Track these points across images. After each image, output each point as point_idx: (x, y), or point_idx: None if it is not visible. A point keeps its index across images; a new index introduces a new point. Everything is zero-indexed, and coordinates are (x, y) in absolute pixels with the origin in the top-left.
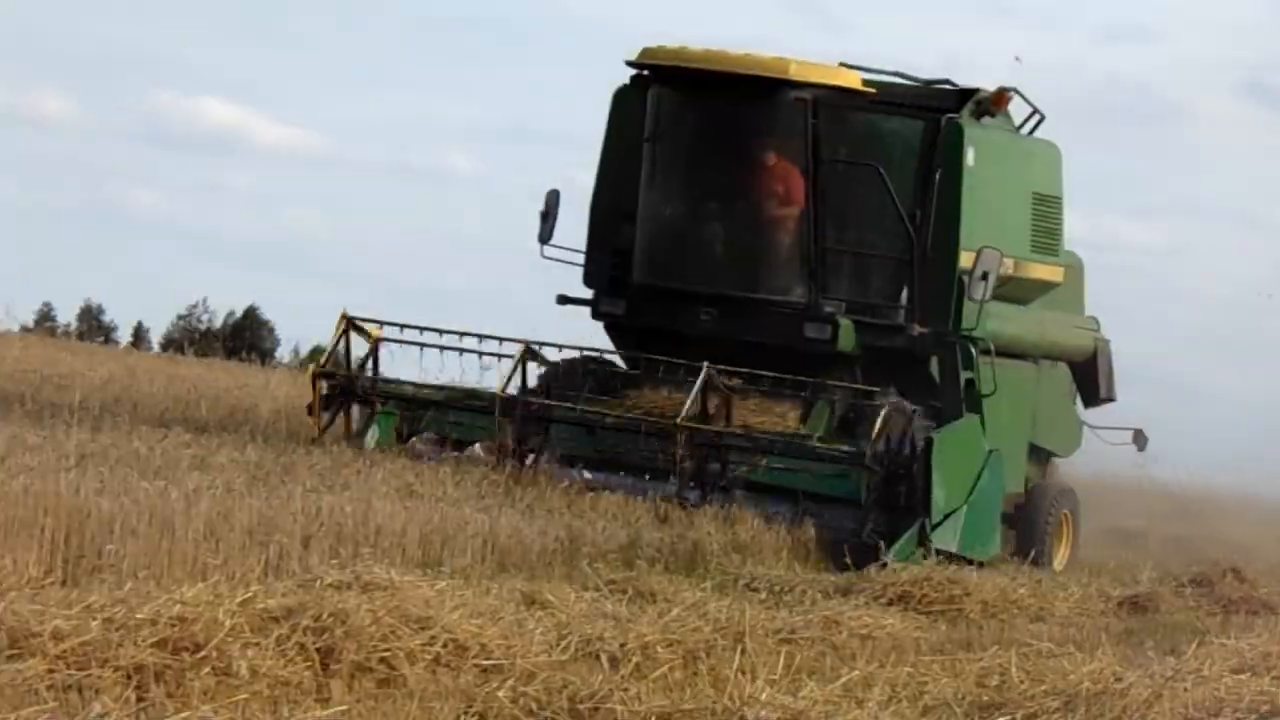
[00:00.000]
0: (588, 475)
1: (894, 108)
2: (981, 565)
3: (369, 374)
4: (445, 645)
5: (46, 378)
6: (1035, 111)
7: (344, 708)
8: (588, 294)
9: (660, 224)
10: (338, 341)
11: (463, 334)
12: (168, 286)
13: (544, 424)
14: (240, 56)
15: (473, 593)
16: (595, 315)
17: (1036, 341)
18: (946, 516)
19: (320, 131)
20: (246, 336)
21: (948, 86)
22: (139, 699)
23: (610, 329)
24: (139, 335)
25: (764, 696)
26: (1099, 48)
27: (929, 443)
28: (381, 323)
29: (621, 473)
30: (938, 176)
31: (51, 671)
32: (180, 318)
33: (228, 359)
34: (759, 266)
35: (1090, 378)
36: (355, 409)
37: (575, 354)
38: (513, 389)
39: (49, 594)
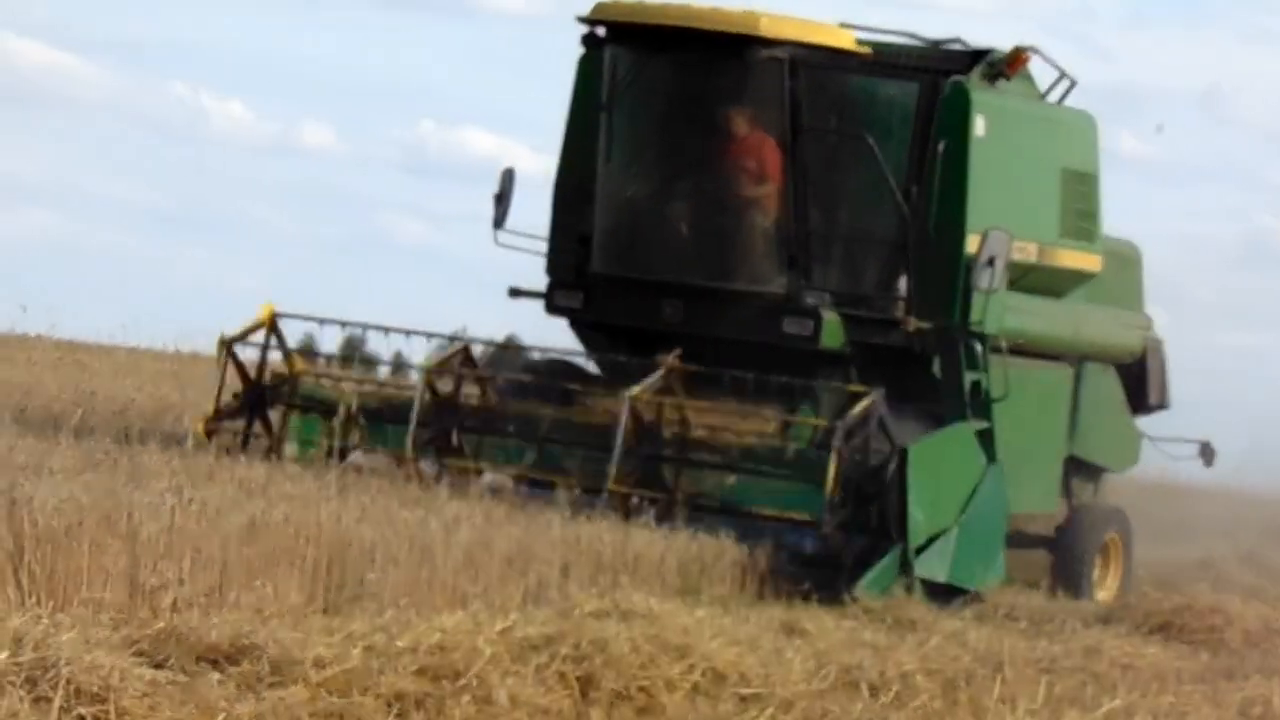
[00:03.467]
0: (488, 479)
1: (888, 69)
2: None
3: (282, 369)
4: (704, 674)
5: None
6: (1064, 76)
7: None
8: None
9: (619, 205)
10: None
11: (410, 332)
12: (429, 316)
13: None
14: (498, 86)
15: (731, 621)
16: (550, 309)
17: (1071, 340)
18: (931, 541)
19: None
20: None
21: (956, 47)
22: None
23: (572, 325)
24: (398, 365)
25: None
26: None
27: (903, 455)
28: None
29: (553, 486)
30: (940, 148)
31: (314, 699)
32: (440, 347)
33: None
34: (730, 252)
35: (1139, 382)
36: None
37: (556, 352)
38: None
39: (311, 622)
